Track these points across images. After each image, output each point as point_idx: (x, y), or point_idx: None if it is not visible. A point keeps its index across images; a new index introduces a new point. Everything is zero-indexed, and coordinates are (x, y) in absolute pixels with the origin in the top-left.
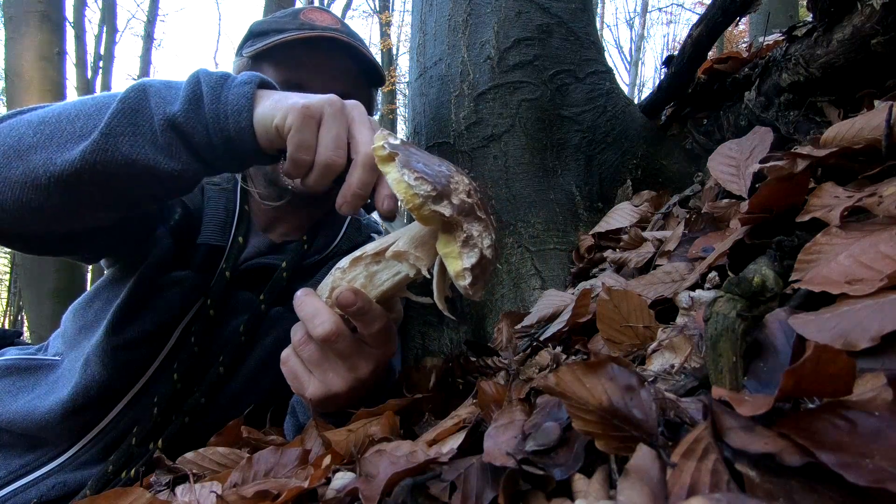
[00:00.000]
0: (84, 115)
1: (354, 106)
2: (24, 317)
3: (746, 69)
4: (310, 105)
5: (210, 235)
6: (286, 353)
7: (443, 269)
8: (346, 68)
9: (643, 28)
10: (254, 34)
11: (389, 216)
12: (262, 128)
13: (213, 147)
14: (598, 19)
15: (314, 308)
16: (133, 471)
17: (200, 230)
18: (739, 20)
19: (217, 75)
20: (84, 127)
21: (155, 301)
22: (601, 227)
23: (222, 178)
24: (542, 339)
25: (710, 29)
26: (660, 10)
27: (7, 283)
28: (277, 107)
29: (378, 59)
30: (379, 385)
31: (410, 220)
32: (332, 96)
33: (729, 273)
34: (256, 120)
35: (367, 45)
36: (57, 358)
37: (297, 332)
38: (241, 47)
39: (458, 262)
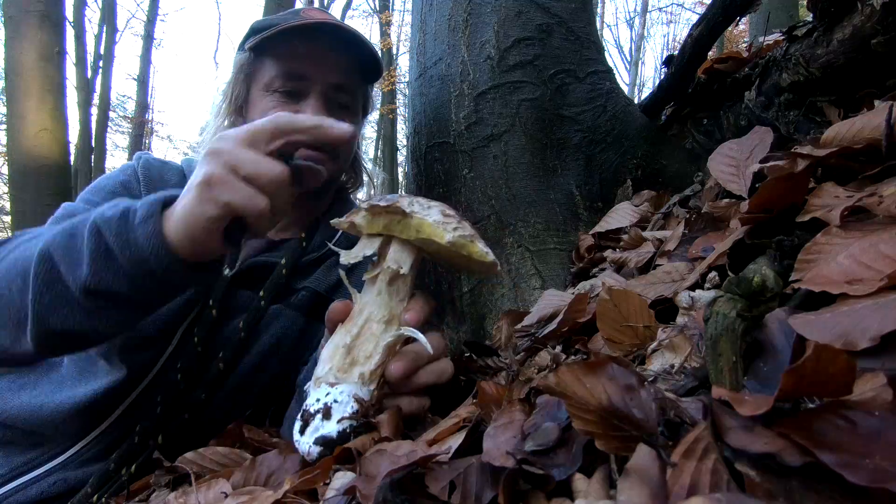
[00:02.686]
0: (17, 295)
1: (227, 133)
2: None
3: (746, 69)
4: (209, 174)
5: None
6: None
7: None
8: (345, 61)
9: (643, 28)
10: (255, 30)
11: None
12: (193, 234)
13: (148, 290)
14: (598, 19)
15: (441, 367)
16: (133, 468)
17: None
18: (739, 20)
19: (115, 219)
20: (20, 311)
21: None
22: (601, 226)
23: None
24: (539, 338)
25: (710, 29)
26: (660, 10)
27: None
28: (188, 206)
29: (378, 53)
30: None
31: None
32: (206, 149)
33: (729, 273)
34: (179, 237)
35: (369, 41)
36: None
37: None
38: (242, 43)
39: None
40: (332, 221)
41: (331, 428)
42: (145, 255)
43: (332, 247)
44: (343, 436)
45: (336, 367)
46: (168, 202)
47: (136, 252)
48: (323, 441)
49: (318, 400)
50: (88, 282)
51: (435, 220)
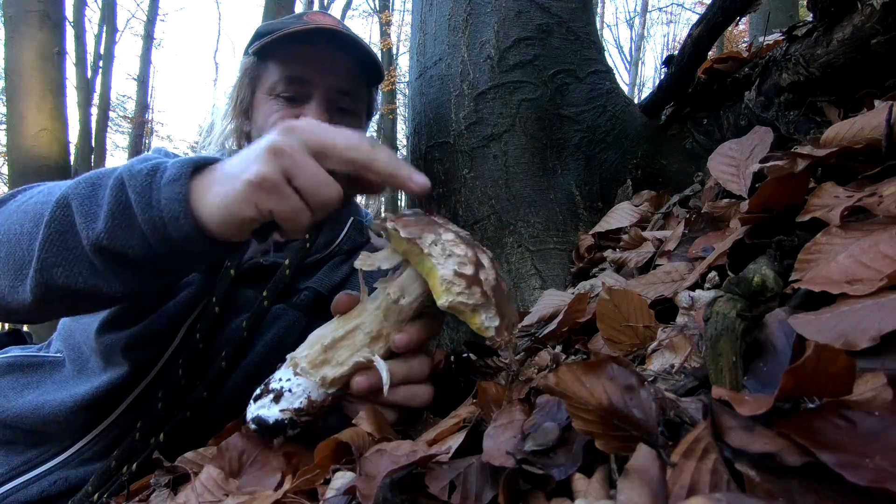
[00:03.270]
0: (25, 238)
1: (299, 128)
2: None
3: (746, 69)
4: (263, 175)
5: None
6: (395, 418)
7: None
8: (347, 64)
9: (643, 28)
10: (259, 34)
11: (424, 189)
12: (226, 225)
13: (161, 257)
14: (598, 19)
15: (422, 363)
16: (135, 466)
17: None
18: (739, 20)
19: (144, 174)
20: (24, 257)
21: (165, 304)
22: (601, 226)
23: None
24: (539, 337)
25: (710, 29)
26: (660, 10)
27: None
28: (229, 199)
29: (378, 58)
30: None
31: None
32: (271, 141)
33: (729, 273)
34: (209, 219)
35: (369, 45)
36: (59, 355)
37: (422, 395)
38: (247, 47)
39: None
40: (372, 223)
41: (271, 413)
42: (164, 219)
43: (376, 243)
44: (278, 425)
45: (309, 359)
46: (201, 165)
47: (155, 214)
48: (258, 421)
49: (280, 379)
50: (102, 238)
51: (443, 275)
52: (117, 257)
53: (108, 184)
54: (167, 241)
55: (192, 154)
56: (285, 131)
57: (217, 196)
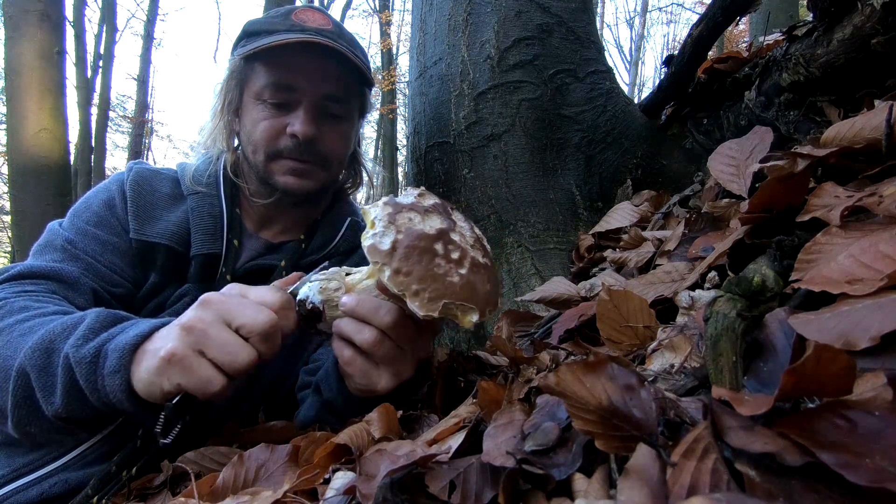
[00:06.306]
0: None
1: (215, 301)
2: None
3: (746, 69)
4: (172, 351)
5: (202, 245)
6: (349, 356)
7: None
8: (336, 70)
9: (643, 28)
10: (247, 34)
11: None
12: (148, 396)
13: (118, 417)
14: (598, 19)
15: (375, 302)
16: (134, 470)
17: (191, 243)
18: (739, 20)
19: (87, 361)
20: (2, 404)
21: (161, 317)
22: (601, 226)
23: (203, 184)
24: (539, 341)
25: (710, 28)
26: (660, 9)
27: None
28: (150, 373)
29: (377, 58)
30: (427, 366)
31: None
32: (185, 318)
33: (729, 273)
34: (140, 392)
35: (362, 45)
36: None
37: (362, 333)
38: (234, 47)
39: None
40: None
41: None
42: (111, 400)
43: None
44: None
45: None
46: (141, 341)
47: (104, 397)
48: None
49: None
50: (60, 411)
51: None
52: (77, 421)
53: (59, 361)
54: (115, 410)
55: (191, 155)
56: (201, 305)
57: (143, 371)
